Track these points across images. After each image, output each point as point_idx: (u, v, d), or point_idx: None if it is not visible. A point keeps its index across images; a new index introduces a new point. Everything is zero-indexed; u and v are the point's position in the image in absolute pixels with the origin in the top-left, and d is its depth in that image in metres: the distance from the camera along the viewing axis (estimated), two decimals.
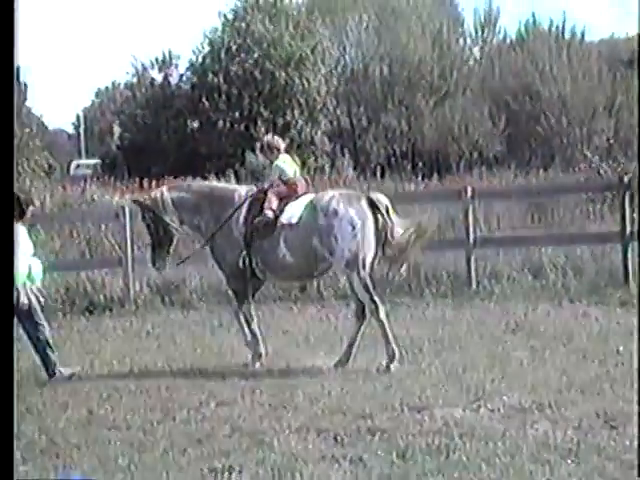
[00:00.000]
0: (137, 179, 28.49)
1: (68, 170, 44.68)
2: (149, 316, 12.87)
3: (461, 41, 43.96)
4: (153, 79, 44.99)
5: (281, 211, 9.39)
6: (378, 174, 31.62)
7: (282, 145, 9.89)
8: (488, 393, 7.82)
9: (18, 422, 7.58)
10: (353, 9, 42.60)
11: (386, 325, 9.25)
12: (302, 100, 39.52)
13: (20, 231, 8.94)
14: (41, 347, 9.24)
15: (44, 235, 16.92)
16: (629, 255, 13.12)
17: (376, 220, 9.37)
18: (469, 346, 9.87)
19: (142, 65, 45.26)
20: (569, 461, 6.13)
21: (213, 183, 10.05)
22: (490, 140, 38.88)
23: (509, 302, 12.47)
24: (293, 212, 9.39)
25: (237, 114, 39.40)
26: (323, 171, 34.37)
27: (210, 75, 39.59)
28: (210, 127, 39.21)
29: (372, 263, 9.40)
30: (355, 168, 36.34)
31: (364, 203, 9.38)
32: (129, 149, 42.66)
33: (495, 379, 8.28)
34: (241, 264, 9.38)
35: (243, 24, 40.11)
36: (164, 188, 9.84)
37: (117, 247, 15.12)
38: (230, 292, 9.89)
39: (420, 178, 29.03)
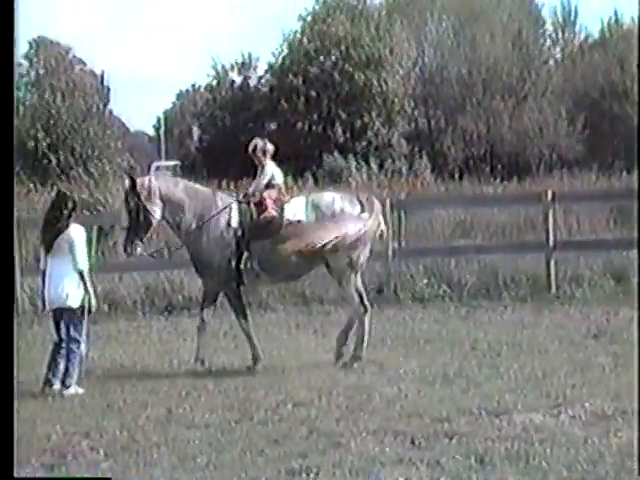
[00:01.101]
0: (216, 181, 28.77)
1: (148, 171, 45.29)
2: (227, 317, 12.94)
3: (541, 41, 43.40)
4: (233, 81, 45.43)
5: (281, 211, 9.55)
6: (456, 176, 31.38)
7: (272, 150, 9.99)
8: (569, 399, 7.69)
9: (101, 418, 7.71)
10: (432, 10, 42.38)
11: (366, 329, 9.49)
12: (380, 102, 39.47)
13: (77, 230, 8.96)
14: (61, 356, 8.83)
15: None
16: None
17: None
18: (549, 351, 9.72)
19: (222, 67, 45.73)
20: None
21: (196, 185, 10.15)
22: (570, 142, 38.30)
23: (590, 307, 12.26)
24: (296, 211, 9.58)
25: (315, 116, 39.53)
26: (400, 173, 34.24)
27: (289, 77, 39.80)
28: (288, 129, 39.39)
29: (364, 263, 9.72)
30: (433, 170, 36.12)
31: (359, 204, 9.66)
32: (208, 151, 43.13)
33: (576, 385, 8.14)
34: (242, 266, 9.47)
35: (323, 26, 40.25)
36: (152, 177, 9.82)
37: None
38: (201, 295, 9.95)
39: (499, 180, 28.70)
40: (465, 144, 39.99)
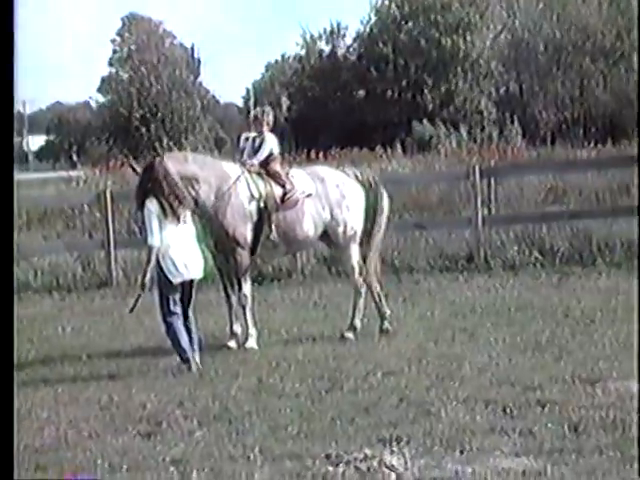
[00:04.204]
0: (305, 150, 28.88)
1: (238, 143, 45.62)
2: (316, 286, 13.00)
3: None
4: (321, 51, 45.40)
5: (291, 184, 9.54)
6: (548, 141, 30.82)
7: (272, 121, 9.92)
8: None
9: (194, 388, 7.83)
10: None
11: (362, 302, 9.74)
12: (467, 66, 38.96)
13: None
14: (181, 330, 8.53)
15: None
16: None
17: None
18: None
19: (311, 36, 45.71)
20: None
21: (200, 155, 9.99)
22: None
23: None
24: (305, 184, 9.59)
25: (404, 83, 39.24)
26: (491, 139, 33.78)
27: (378, 45, 39.55)
28: (377, 97, 39.22)
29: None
30: (524, 136, 35.54)
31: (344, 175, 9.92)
32: (297, 121, 43.27)
33: None
34: (263, 237, 9.39)
35: None
36: (166, 157, 9.23)
37: None
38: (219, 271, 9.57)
39: (592, 144, 28.08)
40: (557, 108, 39.22)
